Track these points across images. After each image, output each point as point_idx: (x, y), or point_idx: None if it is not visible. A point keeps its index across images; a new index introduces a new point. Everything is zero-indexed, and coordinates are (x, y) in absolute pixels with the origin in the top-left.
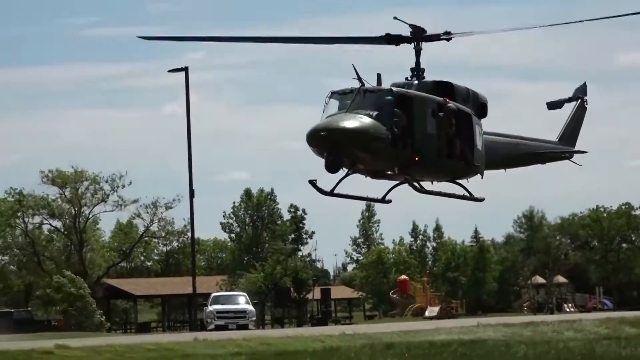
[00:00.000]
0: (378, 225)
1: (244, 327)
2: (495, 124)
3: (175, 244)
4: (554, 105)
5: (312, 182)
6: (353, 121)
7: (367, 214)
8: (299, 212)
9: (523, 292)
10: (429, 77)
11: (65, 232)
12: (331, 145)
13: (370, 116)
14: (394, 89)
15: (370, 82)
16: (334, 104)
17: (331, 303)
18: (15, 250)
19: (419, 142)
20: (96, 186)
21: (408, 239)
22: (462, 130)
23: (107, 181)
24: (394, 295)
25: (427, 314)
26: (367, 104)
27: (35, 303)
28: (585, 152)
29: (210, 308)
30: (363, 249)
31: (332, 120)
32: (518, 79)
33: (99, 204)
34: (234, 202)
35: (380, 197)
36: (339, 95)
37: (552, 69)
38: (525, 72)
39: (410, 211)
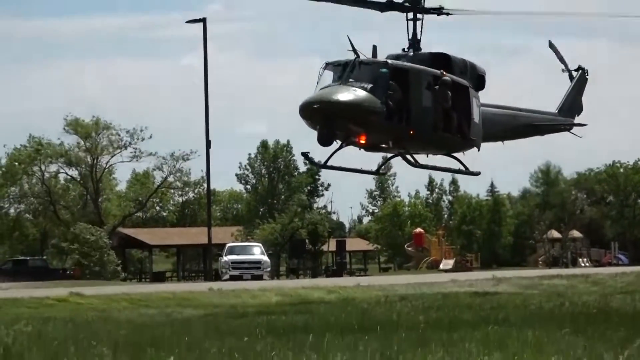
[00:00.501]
0: (394, 179)
1: (259, 277)
2: (502, 86)
3: (191, 194)
4: (554, 49)
5: (305, 154)
6: (347, 94)
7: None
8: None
9: (538, 247)
10: (427, 44)
11: (82, 181)
12: (324, 118)
13: (365, 89)
14: (389, 61)
15: (366, 54)
16: (329, 76)
17: (346, 255)
18: (31, 198)
19: (414, 115)
20: (114, 136)
21: (424, 193)
22: (459, 103)
23: (128, 132)
24: (409, 248)
25: (442, 266)
26: (362, 77)
27: (51, 252)
28: (584, 124)
29: (225, 258)
30: (379, 202)
31: (325, 92)
32: (529, 35)
33: (116, 154)
34: (249, 154)
35: (374, 169)
36: (334, 66)
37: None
38: (537, 28)
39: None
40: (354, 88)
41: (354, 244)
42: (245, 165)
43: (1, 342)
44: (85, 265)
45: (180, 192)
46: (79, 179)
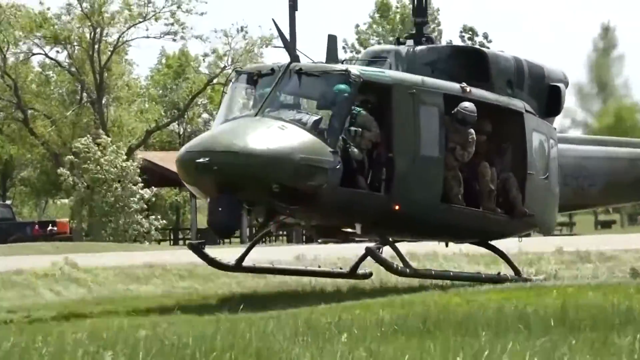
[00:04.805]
0: (622, 62)
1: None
2: None
3: None
4: None
5: (196, 248)
6: (264, 137)
7: (601, 43)
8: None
9: None
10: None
11: (74, 69)
12: (219, 185)
13: (303, 125)
14: (354, 69)
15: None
16: (241, 97)
17: None
18: None
19: (403, 174)
20: None
21: None
22: (500, 146)
23: None
24: None
25: None
26: (300, 100)
27: (19, 192)
28: None
29: None
30: (594, 104)
31: (223, 134)
32: None
33: (137, 24)
34: (357, 26)
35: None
36: (250, 78)
37: None
38: None
39: None
40: (281, 124)
41: None
42: (352, 43)
43: None
44: (95, 212)
45: None
46: (68, 66)
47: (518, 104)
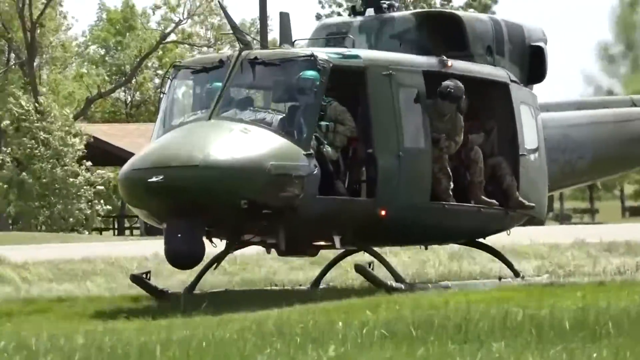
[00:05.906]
0: None
1: None
2: None
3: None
4: None
5: (139, 280)
6: (226, 145)
7: None
8: None
9: None
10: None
11: (0, 25)
12: (177, 208)
13: (268, 125)
14: (321, 53)
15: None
16: (184, 97)
17: None
18: None
19: (387, 172)
20: None
21: None
22: (486, 126)
23: None
24: None
25: None
26: (259, 95)
27: None
28: None
29: None
30: (622, 67)
31: (176, 143)
32: None
33: None
34: None
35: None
36: (195, 74)
37: None
38: None
39: None
40: (242, 127)
41: None
42: None
43: None
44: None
45: (203, 51)
46: None
47: (502, 73)
